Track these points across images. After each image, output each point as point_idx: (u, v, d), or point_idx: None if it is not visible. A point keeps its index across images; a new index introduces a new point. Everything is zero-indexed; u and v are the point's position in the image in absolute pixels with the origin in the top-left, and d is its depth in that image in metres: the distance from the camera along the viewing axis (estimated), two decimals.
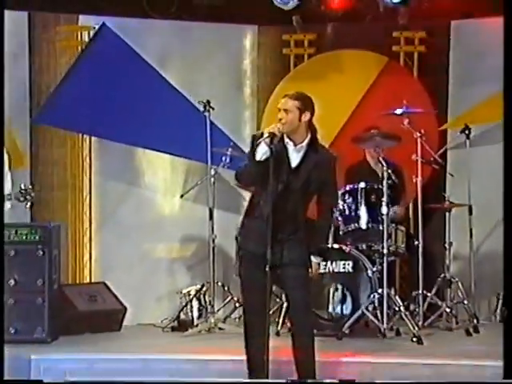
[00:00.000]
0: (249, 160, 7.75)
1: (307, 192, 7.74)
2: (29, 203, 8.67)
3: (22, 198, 8.37)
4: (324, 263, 9.79)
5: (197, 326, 10.21)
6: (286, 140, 7.65)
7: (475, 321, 10.12)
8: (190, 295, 10.45)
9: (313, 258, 7.73)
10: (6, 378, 6.99)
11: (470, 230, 10.46)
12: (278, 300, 9.76)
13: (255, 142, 7.64)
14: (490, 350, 9.19)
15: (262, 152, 7.53)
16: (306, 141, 7.65)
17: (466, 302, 10.29)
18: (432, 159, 10.34)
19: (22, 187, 8.37)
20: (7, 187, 8.47)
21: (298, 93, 7.77)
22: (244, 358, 7.85)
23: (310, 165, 7.68)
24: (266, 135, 7.55)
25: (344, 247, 9.88)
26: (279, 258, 7.65)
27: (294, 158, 7.67)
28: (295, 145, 7.62)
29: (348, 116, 11.07)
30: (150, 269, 11.04)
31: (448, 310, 10.16)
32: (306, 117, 7.58)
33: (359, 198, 10.09)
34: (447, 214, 10.46)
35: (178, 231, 11.14)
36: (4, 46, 6.34)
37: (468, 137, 10.42)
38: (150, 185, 11.16)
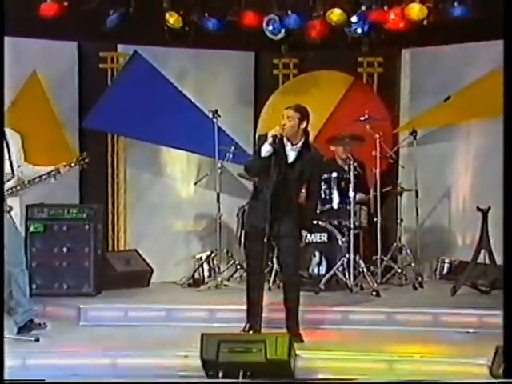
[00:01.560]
0: (255, 156, 7.86)
1: (300, 182, 7.84)
2: (85, 166, 8.34)
3: (79, 163, 8.14)
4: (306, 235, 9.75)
5: (207, 283, 10.18)
6: (285, 141, 7.71)
7: (420, 278, 10.11)
8: (201, 259, 10.43)
9: (302, 232, 7.97)
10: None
11: (416, 209, 10.44)
12: (269, 264, 9.63)
13: (260, 141, 7.74)
14: (431, 300, 9.31)
15: (266, 150, 7.63)
16: (301, 143, 7.74)
17: (413, 264, 10.29)
18: (388, 155, 10.34)
19: (80, 156, 8.22)
20: (22, 158, 8.09)
21: (298, 105, 7.88)
22: (243, 307, 7.97)
23: (303, 161, 7.76)
24: (270, 137, 7.63)
25: (320, 222, 9.80)
26: (276, 232, 7.76)
27: (291, 156, 7.75)
28: (292, 145, 7.71)
29: (323, 122, 10.93)
30: (171, 239, 10.95)
31: (399, 270, 10.16)
32: (303, 125, 7.72)
33: (332, 184, 10.00)
34: (399, 197, 10.52)
35: (192, 210, 11.06)
36: (4, 48, 6.07)
37: (415, 138, 10.38)
38: (171, 174, 11.10)
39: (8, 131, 8.06)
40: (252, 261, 8.00)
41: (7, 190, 7.88)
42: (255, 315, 7.82)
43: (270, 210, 7.63)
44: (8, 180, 7.90)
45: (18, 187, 7.96)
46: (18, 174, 8.00)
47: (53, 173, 8.03)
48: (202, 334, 7.07)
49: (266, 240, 7.56)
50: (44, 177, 8.02)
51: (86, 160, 8.25)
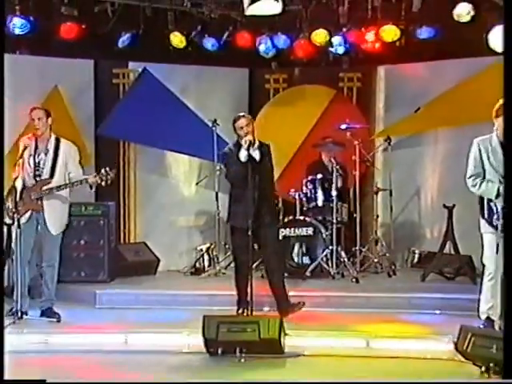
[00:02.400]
0: (233, 162, 7.86)
1: (267, 174, 7.93)
2: (109, 181, 7.92)
3: (105, 177, 7.76)
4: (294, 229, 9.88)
5: (207, 271, 10.15)
6: (242, 144, 7.77)
7: (393, 267, 10.06)
8: (202, 251, 10.37)
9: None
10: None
11: (391, 206, 10.36)
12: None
13: (231, 151, 7.90)
14: (404, 286, 9.30)
15: (244, 155, 7.68)
16: (257, 142, 7.80)
17: (387, 254, 10.23)
18: (365, 159, 10.32)
19: (105, 169, 7.80)
20: (80, 171, 7.98)
21: (249, 119, 7.98)
22: None
23: (263, 156, 7.79)
24: (245, 144, 7.70)
25: (307, 218, 9.85)
26: (258, 224, 7.75)
27: (256, 155, 7.74)
28: (253, 146, 7.73)
29: (309, 130, 10.90)
30: (175, 233, 10.91)
31: (376, 260, 10.13)
32: (255, 131, 7.87)
33: (317, 185, 9.97)
34: (375, 195, 10.53)
35: (193, 207, 11.01)
36: (4, 52, 6.11)
37: (389, 144, 10.34)
38: (175, 176, 11.05)
39: (67, 143, 8.04)
40: (239, 255, 8.03)
41: (44, 191, 7.84)
42: (244, 302, 7.88)
43: (255, 207, 7.72)
44: (47, 182, 7.86)
45: (55, 189, 7.88)
46: (65, 179, 7.90)
47: (84, 181, 7.92)
48: (204, 316, 7.08)
49: (250, 234, 7.57)
50: (76, 184, 7.92)
51: (110, 175, 7.91)
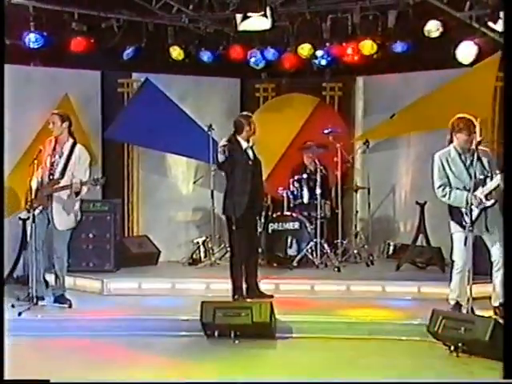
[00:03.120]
0: (235, 155, 7.80)
1: (259, 173, 7.96)
2: (99, 187, 8.32)
3: (94, 184, 7.83)
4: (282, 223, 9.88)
5: (203, 262, 10.09)
6: (242, 142, 7.85)
7: (371, 257, 10.04)
8: (198, 243, 10.31)
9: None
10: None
11: (368, 203, 10.35)
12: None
13: (232, 144, 7.83)
14: (380, 275, 9.29)
15: (221, 158, 7.73)
16: (250, 143, 7.86)
17: (365, 246, 10.23)
18: (346, 160, 10.28)
19: (95, 177, 7.91)
20: (86, 175, 7.91)
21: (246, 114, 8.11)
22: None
23: (256, 157, 7.91)
24: (220, 147, 7.73)
25: (293, 214, 9.87)
26: (254, 218, 7.90)
27: (250, 155, 7.83)
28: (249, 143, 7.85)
29: (296, 134, 10.89)
30: (174, 227, 10.86)
31: (355, 251, 10.11)
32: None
33: (303, 183, 10.00)
34: (355, 193, 10.51)
35: (191, 204, 10.97)
36: (4, 53, 5.97)
37: (368, 146, 10.34)
38: (174, 176, 11.02)
39: (81, 148, 8.01)
40: (234, 245, 8.03)
41: (53, 189, 7.82)
42: (240, 289, 7.94)
43: (248, 200, 7.75)
44: (57, 182, 7.84)
45: (60, 189, 7.86)
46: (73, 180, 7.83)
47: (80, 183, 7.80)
48: (202, 302, 7.13)
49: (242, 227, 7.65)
50: (83, 181, 7.81)
51: (101, 181, 7.97)
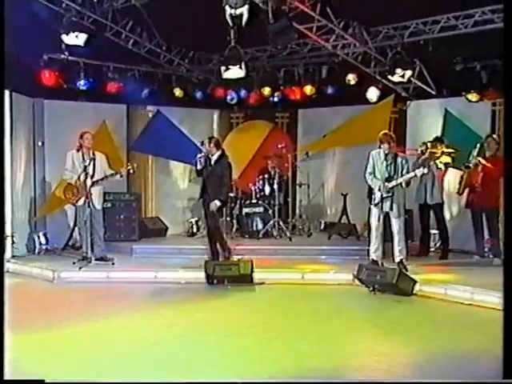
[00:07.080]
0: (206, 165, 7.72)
1: (218, 175, 7.69)
2: (131, 170, 8.15)
3: (115, 174, 7.88)
4: (251, 208, 9.80)
5: (196, 235, 9.94)
6: (210, 155, 7.77)
7: (310, 231, 9.96)
8: (192, 222, 10.15)
9: (217, 201, 7.63)
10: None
11: (308, 195, 10.29)
12: (230, 223, 9.58)
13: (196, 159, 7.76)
14: (317, 242, 9.28)
15: (200, 165, 7.69)
16: (216, 155, 7.68)
17: (306, 223, 10.13)
18: (294, 165, 10.23)
19: (114, 172, 7.91)
20: (109, 171, 7.93)
21: (215, 139, 7.87)
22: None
23: (217, 163, 7.71)
24: (200, 158, 7.61)
25: (259, 201, 9.83)
26: (208, 203, 7.67)
27: (212, 161, 7.69)
28: (212, 156, 7.72)
29: (258, 147, 10.89)
30: (176, 211, 10.65)
31: (300, 227, 10.03)
32: (218, 149, 7.75)
33: (265, 181, 10.02)
34: (299, 187, 10.36)
35: (187, 195, 10.73)
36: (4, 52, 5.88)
37: (307, 156, 10.30)
38: (176, 175, 10.87)
39: (99, 154, 8.06)
40: (206, 223, 7.95)
41: (93, 183, 7.82)
42: (215, 253, 7.82)
43: (206, 191, 7.66)
44: (92, 178, 7.82)
45: (95, 183, 7.88)
46: (104, 174, 7.88)
47: (116, 173, 7.98)
48: (205, 261, 7.20)
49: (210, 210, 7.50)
50: (111, 173, 7.97)
51: (131, 170, 8.16)
